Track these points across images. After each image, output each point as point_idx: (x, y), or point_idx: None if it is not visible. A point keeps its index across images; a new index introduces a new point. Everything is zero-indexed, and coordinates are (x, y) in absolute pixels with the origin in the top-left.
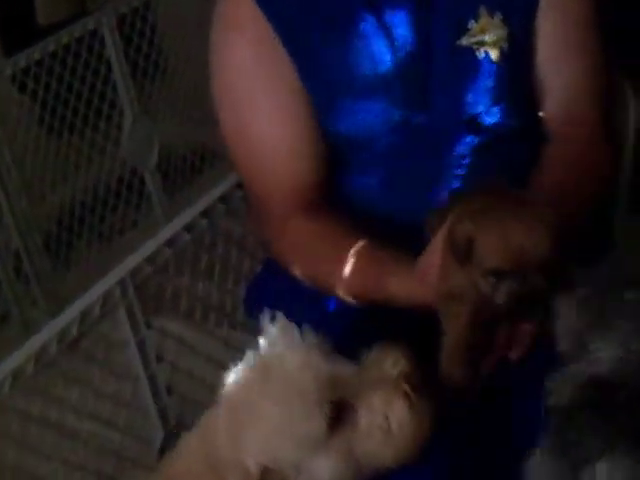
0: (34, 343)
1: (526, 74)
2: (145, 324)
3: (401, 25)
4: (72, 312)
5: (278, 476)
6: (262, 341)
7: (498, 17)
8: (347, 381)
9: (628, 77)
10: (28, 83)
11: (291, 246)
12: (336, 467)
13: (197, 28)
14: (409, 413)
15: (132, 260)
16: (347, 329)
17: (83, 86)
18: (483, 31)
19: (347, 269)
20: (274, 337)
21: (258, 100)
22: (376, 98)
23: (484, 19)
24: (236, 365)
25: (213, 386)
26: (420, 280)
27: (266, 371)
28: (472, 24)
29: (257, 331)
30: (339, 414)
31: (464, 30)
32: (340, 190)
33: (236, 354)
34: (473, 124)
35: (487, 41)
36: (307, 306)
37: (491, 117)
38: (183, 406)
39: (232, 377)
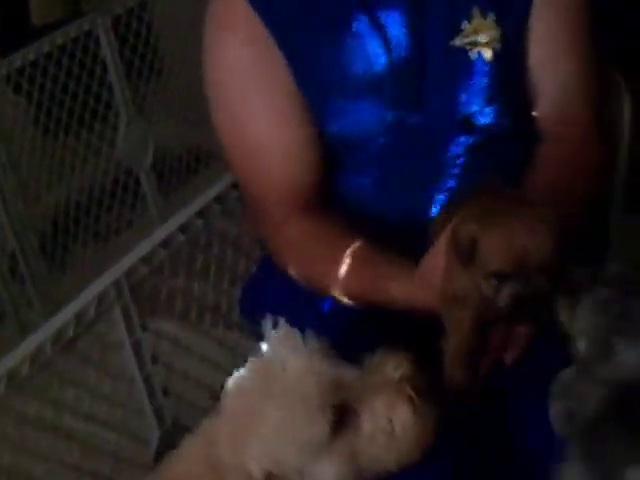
0: (30, 344)
1: (519, 74)
2: (140, 325)
3: (395, 25)
4: (67, 313)
5: None
6: (264, 346)
7: (491, 18)
8: (350, 385)
9: (623, 77)
10: (23, 84)
11: (287, 246)
12: (339, 471)
13: (192, 29)
14: (412, 417)
15: (127, 261)
16: (342, 330)
17: (78, 87)
18: (476, 32)
19: (342, 270)
20: (276, 342)
21: (252, 100)
22: (370, 98)
23: (477, 20)
24: (237, 371)
25: (209, 386)
26: (422, 283)
27: (268, 376)
28: (465, 25)
29: (253, 332)
30: (342, 418)
31: (457, 31)
32: (335, 190)
33: (231, 355)
34: (467, 124)
35: (480, 42)
36: (302, 307)
37: (485, 117)
38: (179, 406)
39: (234, 382)
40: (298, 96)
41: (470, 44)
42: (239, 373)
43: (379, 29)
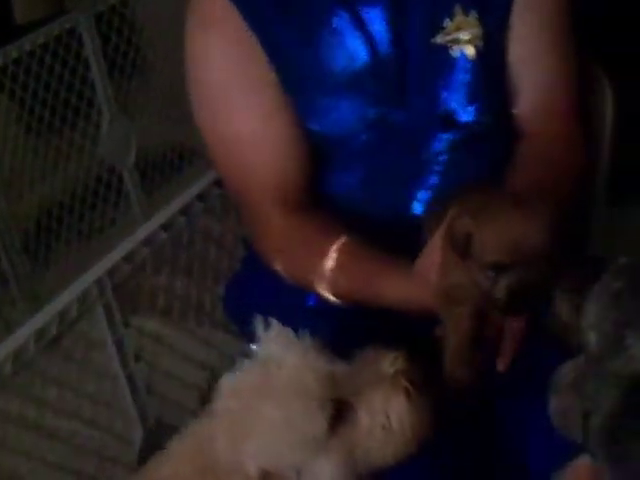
0: (12, 343)
1: (502, 72)
2: (123, 323)
3: (377, 21)
4: (50, 311)
5: (279, 479)
6: (257, 346)
7: (473, 15)
8: (346, 380)
9: (606, 75)
10: (6, 82)
11: (274, 244)
12: (337, 468)
13: (175, 26)
14: (409, 409)
15: (110, 259)
16: (329, 326)
17: (61, 85)
18: (458, 29)
19: (329, 266)
20: (269, 341)
21: (236, 97)
22: (351, 95)
23: (459, 17)
24: (226, 371)
25: (192, 385)
26: (418, 282)
27: (265, 375)
28: (447, 22)
29: (237, 330)
30: (339, 413)
31: (439, 28)
32: (319, 187)
33: (215, 353)
34: (449, 121)
35: (462, 39)
36: (288, 304)
37: (467, 114)
38: (162, 405)
39: (228, 383)
40: (281, 93)
41: (452, 42)
42: (233, 374)
43: (360, 25)
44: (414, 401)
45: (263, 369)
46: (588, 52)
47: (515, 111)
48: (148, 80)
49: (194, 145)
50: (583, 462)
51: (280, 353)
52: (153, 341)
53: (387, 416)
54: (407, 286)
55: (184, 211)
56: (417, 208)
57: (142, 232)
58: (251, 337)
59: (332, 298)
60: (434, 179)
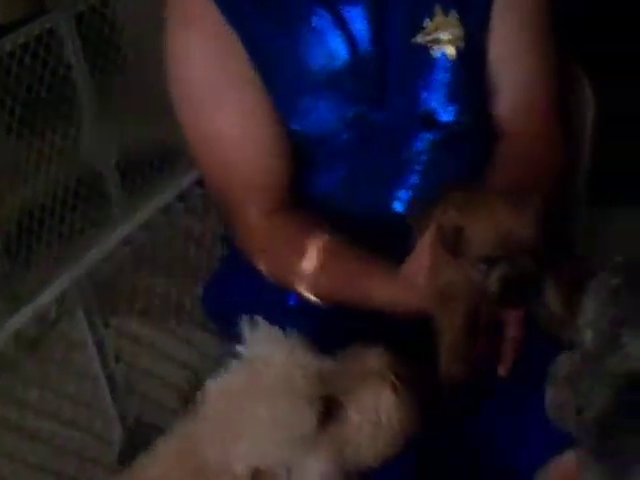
0: None
1: (482, 72)
2: (103, 323)
3: (357, 20)
4: (28, 312)
5: (269, 477)
6: (243, 346)
7: (454, 16)
8: (334, 377)
9: (587, 75)
10: None
11: (257, 243)
12: (326, 466)
13: (156, 25)
14: (397, 403)
15: (89, 259)
16: (308, 325)
17: (41, 86)
18: (438, 29)
19: (310, 265)
20: (256, 341)
21: (216, 95)
22: (331, 94)
23: (439, 17)
24: (215, 373)
25: (172, 385)
26: (406, 285)
27: (253, 375)
28: (427, 22)
29: (217, 330)
30: (328, 411)
31: (419, 28)
32: (301, 187)
33: (195, 353)
34: (429, 121)
35: (443, 39)
36: (268, 303)
37: (447, 114)
38: (142, 405)
39: (216, 384)
40: (263, 90)
41: (432, 42)
42: (220, 375)
43: (341, 24)
44: (402, 396)
45: (250, 369)
46: (568, 52)
47: (495, 111)
48: (129, 80)
49: (175, 145)
50: (567, 458)
51: (267, 352)
52: (133, 341)
53: (376, 411)
54: (394, 288)
55: (164, 211)
56: (398, 207)
57: (122, 232)
58: (231, 336)
59: (314, 298)
60: (414, 178)
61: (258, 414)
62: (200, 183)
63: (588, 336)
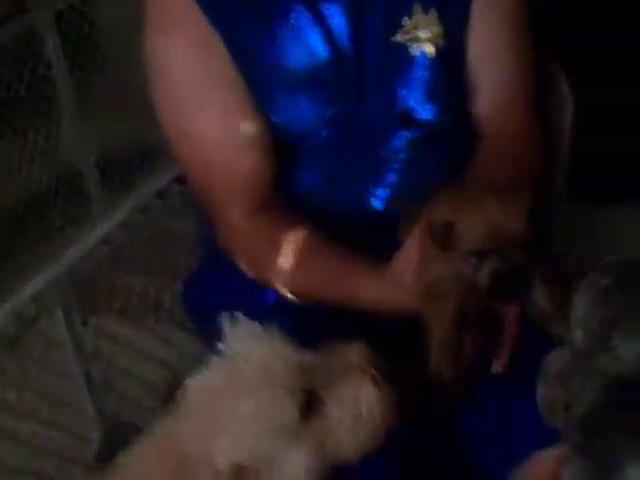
0: None
1: (462, 71)
2: (82, 322)
3: (336, 17)
4: (6, 310)
5: (251, 472)
6: (224, 343)
7: (433, 14)
8: (314, 371)
9: (565, 73)
10: None
11: (240, 243)
12: (308, 460)
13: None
14: (378, 396)
15: (68, 258)
16: (287, 323)
17: (21, 84)
18: (417, 28)
19: (294, 265)
20: (236, 337)
21: (198, 96)
22: (310, 92)
23: (418, 16)
24: (196, 371)
25: (151, 384)
26: (394, 283)
27: (234, 370)
28: (406, 21)
29: (196, 328)
30: (309, 405)
31: (398, 26)
32: (281, 185)
33: (174, 351)
34: (408, 119)
35: (422, 37)
36: (246, 301)
37: (426, 113)
38: (121, 404)
39: (197, 381)
40: (246, 92)
41: (411, 40)
42: (200, 373)
43: (320, 21)
44: (382, 389)
45: (231, 365)
46: (546, 48)
47: (474, 109)
48: (108, 78)
49: (154, 143)
50: (547, 455)
51: (247, 348)
52: (112, 340)
53: (357, 405)
54: (382, 287)
55: (143, 209)
56: (376, 205)
57: (101, 230)
58: (210, 334)
59: (297, 297)
60: (393, 177)
61: (239, 407)
62: (179, 181)
63: (579, 335)
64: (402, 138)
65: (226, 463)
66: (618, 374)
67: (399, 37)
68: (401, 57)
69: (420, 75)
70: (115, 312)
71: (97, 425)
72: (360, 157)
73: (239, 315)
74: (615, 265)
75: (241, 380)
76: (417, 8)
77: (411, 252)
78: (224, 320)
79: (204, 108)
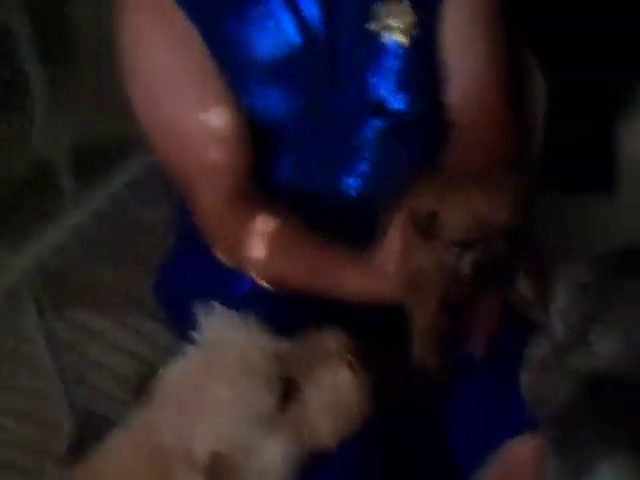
0: None
1: (435, 60)
2: (54, 314)
3: (309, 5)
4: None
5: (228, 461)
6: (199, 332)
7: (406, 3)
8: (291, 358)
9: (538, 61)
10: None
11: (218, 232)
12: (285, 448)
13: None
14: (355, 382)
15: (38, 250)
16: (263, 312)
17: None
18: (389, 16)
19: (269, 254)
20: (212, 325)
21: (174, 84)
22: (283, 78)
23: (391, 4)
24: (171, 361)
25: (123, 376)
26: (377, 274)
27: (210, 358)
28: (379, 9)
29: (168, 320)
30: (287, 393)
31: (371, 14)
32: (256, 173)
33: (147, 343)
34: (380, 108)
35: (394, 26)
36: (220, 290)
37: (398, 102)
38: (93, 396)
39: (172, 371)
40: (221, 78)
41: (384, 28)
42: (175, 362)
43: (293, 7)
44: (359, 375)
45: (207, 353)
46: (519, 37)
47: (447, 99)
48: (82, 71)
49: (126, 134)
50: (520, 443)
51: (223, 336)
52: (84, 332)
53: (334, 391)
54: (365, 278)
55: (115, 200)
56: (349, 193)
57: (71, 222)
58: (184, 325)
59: (275, 286)
60: (364, 166)
61: (217, 395)
62: (152, 172)
63: (559, 328)
64: (374, 127)
65: (204, 451)
66: (593, 371)
67: (373, 25)
68: (373, 45)
69: (391, 64)
70: (87, 304)
71: (69, 417)
72: (332, 145)
73: (214, 304)
74: (594, 260)
75: (218, 369)
76: None
77: (393, 242)
78: (199, 309)
79: (179, 96)
